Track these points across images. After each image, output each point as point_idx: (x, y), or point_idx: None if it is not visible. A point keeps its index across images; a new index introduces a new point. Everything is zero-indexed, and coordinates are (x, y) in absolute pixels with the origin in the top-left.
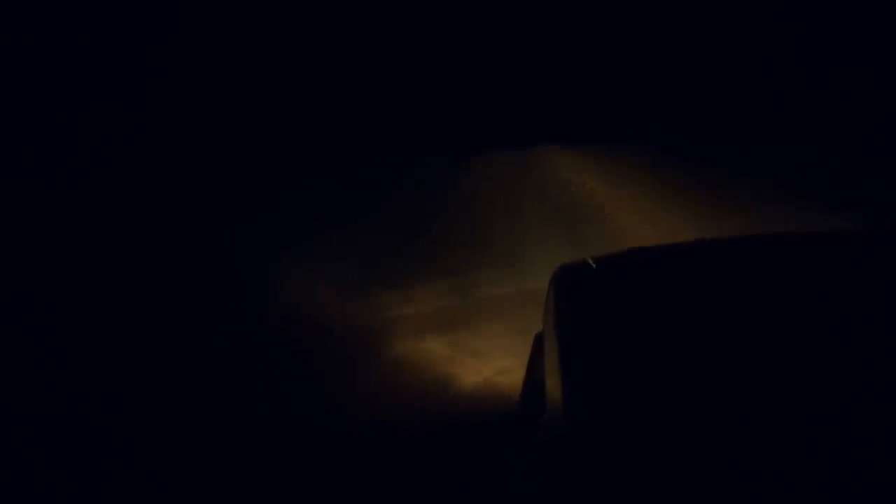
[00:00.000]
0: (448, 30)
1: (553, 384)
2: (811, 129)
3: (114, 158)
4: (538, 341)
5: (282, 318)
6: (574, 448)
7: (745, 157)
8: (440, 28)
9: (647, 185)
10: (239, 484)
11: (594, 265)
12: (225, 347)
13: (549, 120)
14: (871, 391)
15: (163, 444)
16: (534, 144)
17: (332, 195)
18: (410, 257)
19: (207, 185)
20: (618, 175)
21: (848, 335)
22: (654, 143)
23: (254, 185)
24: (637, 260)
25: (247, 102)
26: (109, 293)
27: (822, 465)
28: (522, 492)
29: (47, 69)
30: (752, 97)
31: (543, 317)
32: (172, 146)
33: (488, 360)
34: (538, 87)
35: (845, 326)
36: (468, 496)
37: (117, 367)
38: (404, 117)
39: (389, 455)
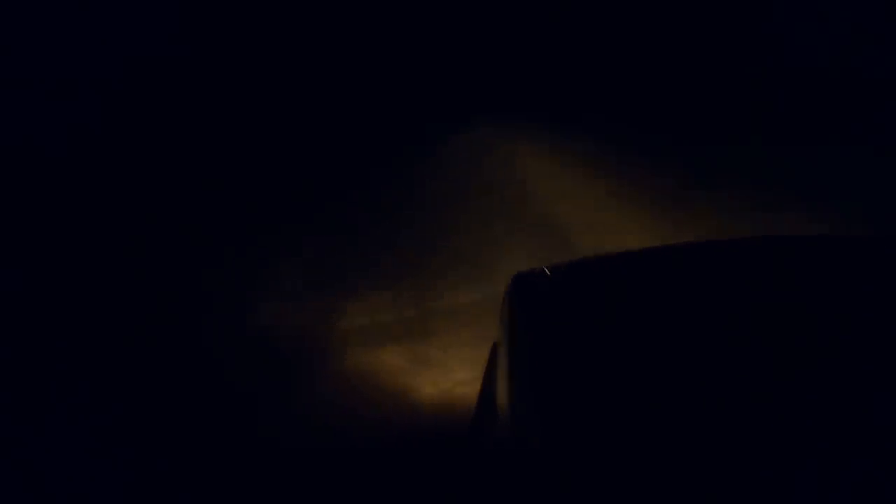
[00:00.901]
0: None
1: (502, 395)
2: (792, 127)
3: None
4: (494, 352)
5: (226, 330)
6: (520, 459)
7: (723, 157)
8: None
9: (610, 184)
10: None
11: (549, 273)
12: (171, 358)
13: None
14: (836, 408)
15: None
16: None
17: (277, 199)
18: (363, 263)
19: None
20: (580, 174)
21: (807, 345)
22: (617, 139)
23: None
24: (594, 268)
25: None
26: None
27: (773, 474)
28: None
29: None
30: (731, 94)
31: (499, 325)
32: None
33: (446, 371)
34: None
35: (807, 335)
36: None
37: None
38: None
39: (342, 469)
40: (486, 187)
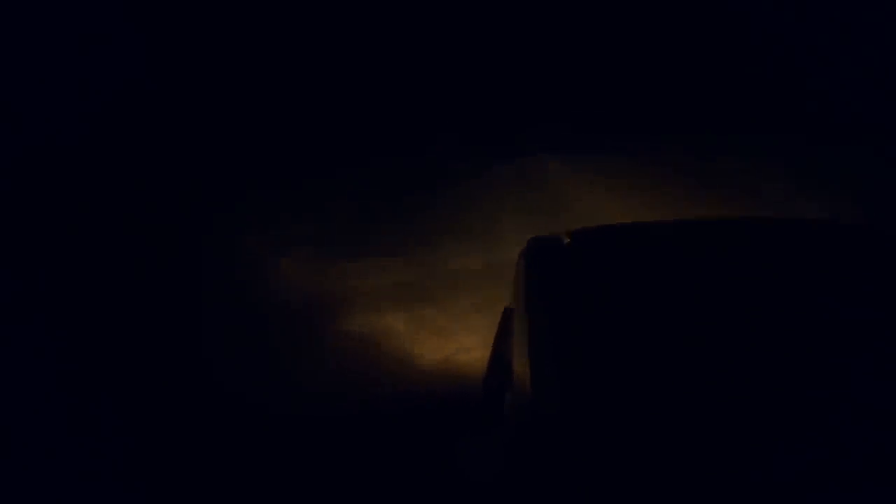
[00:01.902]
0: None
1: (521, 363)
2: (792, 117)
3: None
4: (505, 317)
5: (237, 289)
6: (541, 429)
7: (725, 147)
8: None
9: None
10: (191, 460)
11: (568, 239)
12: (182, 320)
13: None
14: (843, 381)
15: (115, 417)
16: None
17: (293, 165)
18: (370, 227)
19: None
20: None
21: (823, 322)
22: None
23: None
24: (612, 236)
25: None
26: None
27: (790, 448)
28: (484, 475)
29: None
30: (728, 87)
31: (513, 292)
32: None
33: (450, 337)
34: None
35: (823, 313)
36: (426, 478)
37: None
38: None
39: (347, 434)
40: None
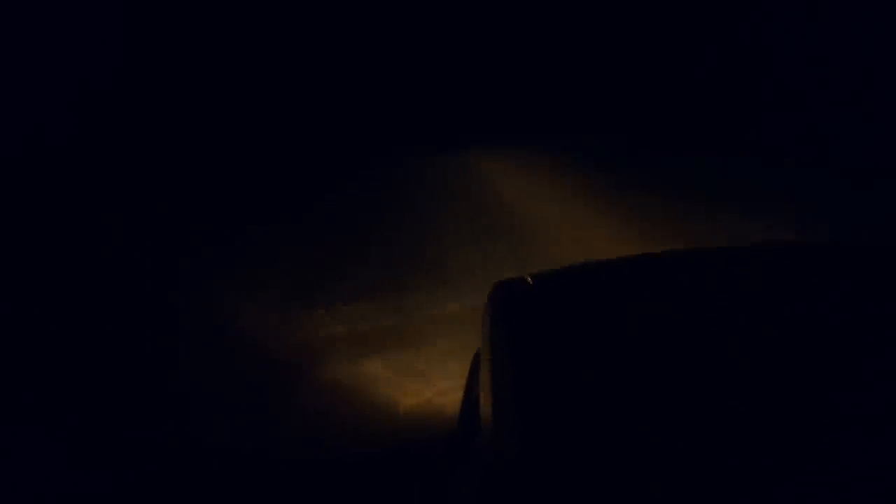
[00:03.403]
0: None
1: (486, 405)
2: (762, 138)
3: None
4: (476, 360)
5: (210, 338)
6: (501, 467)
7: (695, 168)
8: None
9: (586, 196)
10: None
11: (531, 281)
12: (155, 369)
13: (478, 122)
14: (821, 424)
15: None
16: (465, 148)
17: (260, 211)
18: (344, 274)
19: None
20: (555, 186)
21: (793, 356)
22: (594, 152)
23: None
24: (576, 276)
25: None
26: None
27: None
28: None
29: None
30: (702, 106)
31: (481, 334)
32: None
33: (429, 381)
34: (469, 88)
35: (793, 346)
36: None
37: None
38: (324, 121)
39: (326, 479)
40: (466, 199)
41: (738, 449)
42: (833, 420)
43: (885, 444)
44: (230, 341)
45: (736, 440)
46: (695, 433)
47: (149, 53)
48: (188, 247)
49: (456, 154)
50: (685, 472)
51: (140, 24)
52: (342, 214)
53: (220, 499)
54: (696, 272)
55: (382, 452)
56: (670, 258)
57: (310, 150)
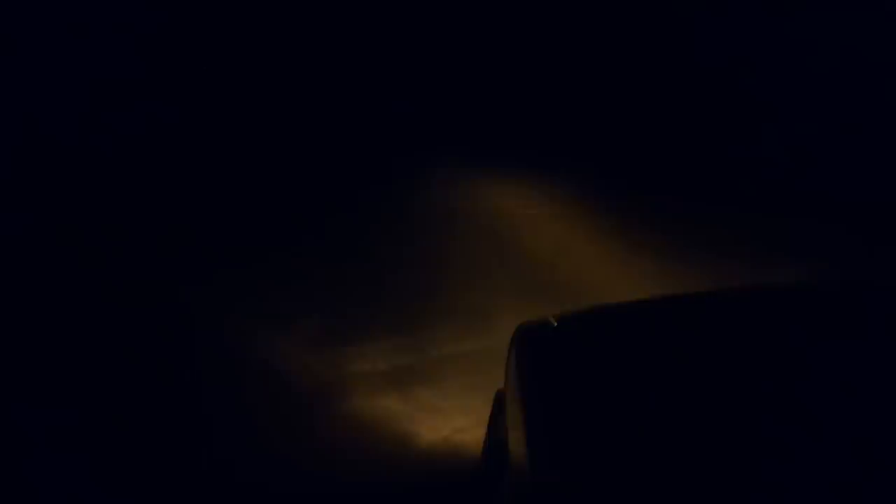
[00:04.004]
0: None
1: (517, 442)
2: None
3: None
4: (498, 400)
5: (238, 372)
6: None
7: (710, 212)
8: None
9: (602, 233)
10: None
11: (555, 323)
12: (185, 399)
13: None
14: (845, 457)
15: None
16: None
17: (285, 251)
18: (364, 312)
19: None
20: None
21: (822, 395)
22: (606, 187)
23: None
24: (599, 317)
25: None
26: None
27: None
28: None
29: None
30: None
31: (505, 376)
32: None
33: (447, 418)
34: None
35: (821, 385)
36: None
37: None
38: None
39: None
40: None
41: (765, 490)
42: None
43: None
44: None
45: (764, 481)
46: (723, 471)
47: (154, 61)
48: (199, 272)
49: (465, 178)
50: None
51: (148, 30)
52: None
53: None
54: (721, 313)
55: (399, 487)
56: (694, 300)
57: (318, 164)
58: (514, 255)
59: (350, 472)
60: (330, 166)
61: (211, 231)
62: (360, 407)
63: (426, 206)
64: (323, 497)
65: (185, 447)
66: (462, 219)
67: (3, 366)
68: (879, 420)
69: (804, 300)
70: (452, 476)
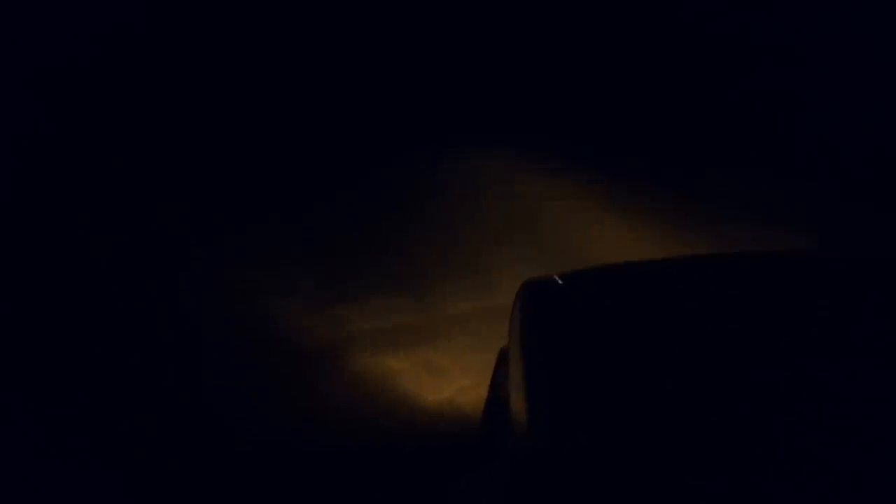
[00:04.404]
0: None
1: (517, 399)
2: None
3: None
4: (502, 357)
5: (239, 329)
6: (536, 462)
7: (702, 178)
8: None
9: (601, 201)
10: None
11: (561, 281)
12: (189, 359)
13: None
14: (844, 429)
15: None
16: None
17: (287, 206)
18: (367, 270)
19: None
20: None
21: (823, 360)
22: (601, 160)
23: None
24: (605, 276)
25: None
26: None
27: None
28: None
29: None
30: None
31: (509, 332)
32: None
33: (450, 377)
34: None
35: (821, 351)
36: None
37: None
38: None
39: (348, 470)
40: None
41: (767, 454)
42: (857, 434)
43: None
44: (262, 332)
45: (767, 445)
46: (726, 433)
47: (150, 49)
48: (213, 238)
49: (477, 150)
50: (715, 474)
51: (141, 19)
52: (362, 211)
53: (240, 487)
54: (726, 275)
55: (404, 444)
56: (699, 261)
57: (328, 144)
58: (519, 224)
59: (352, 431)
60: (346, 148)
61: (226, 201)
62: (363, 366)
63: (434, 183)
64: (324, 455)
65: (185, 411)
66: (470, 196)
67: None
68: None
69: (811, 266)
70: (455, 437)
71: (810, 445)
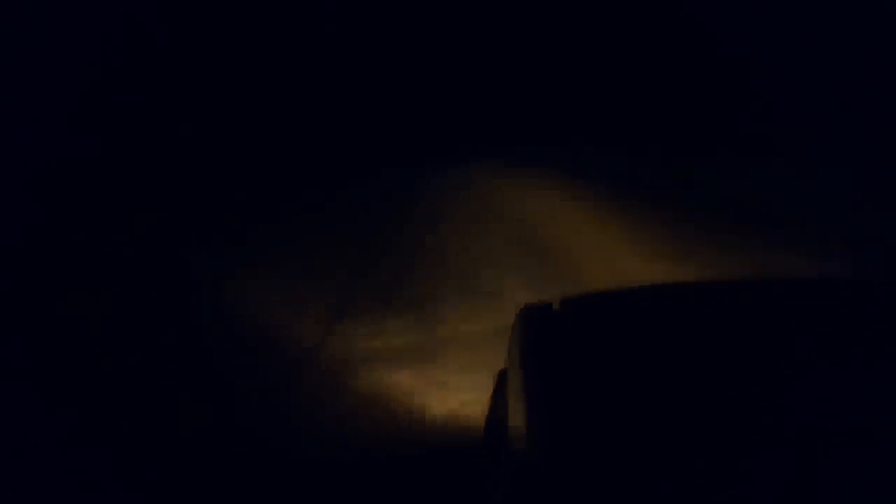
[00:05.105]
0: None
1: (516, 420)
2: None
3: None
4: (501, 379)
5: (256, 348)
6: (534, 481)
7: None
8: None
9: (602, 217)
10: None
11: (559, 306)
12: (205, 375)
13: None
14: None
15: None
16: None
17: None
18: (374, 290)
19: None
20: (572, 206)
21: (816, 385)
22: (602, 171)
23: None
24: (602, 302)
25: None
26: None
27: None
28: None
29: None
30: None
31: (508, 355)
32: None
33: (454, 392)
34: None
35: (815, 376)
36: None
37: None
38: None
39: (354, 480)
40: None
41: (764, 472)
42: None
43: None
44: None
45: (766, 473)
46: (720, 456)
47: (148, 51)
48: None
49: (475, 165)
50: (708, 494)
51: (140, 22)
52: (362, 223)
53: (249, 495)
54: (724, 302)
55: (410, 455)
56: (696, 287)
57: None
58: (523, 239)
59: (359, 442)
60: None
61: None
62: (372, 381)
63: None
64: (333, 464)
65: (200, 423)
66: (473, 210)
67: None
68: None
69: (809, 292)
70: (458, 445)
71: (803, 470)
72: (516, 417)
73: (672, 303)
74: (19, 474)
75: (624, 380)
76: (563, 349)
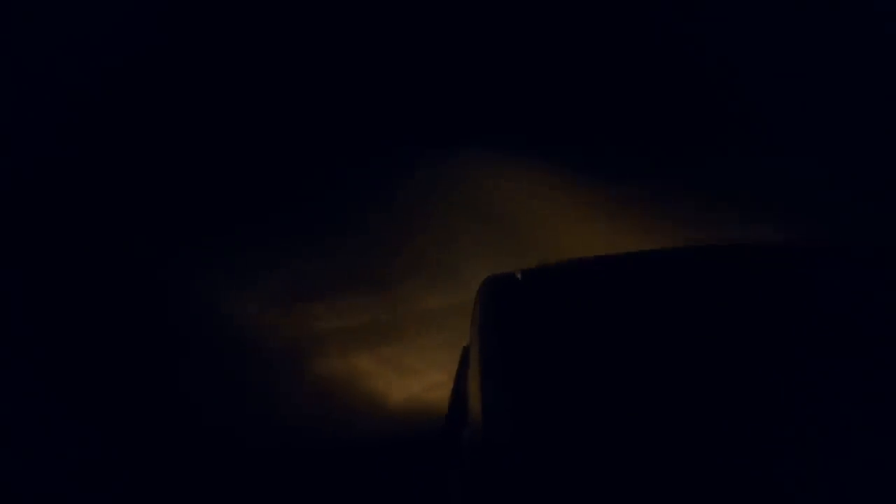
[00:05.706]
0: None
1: (476, 394)
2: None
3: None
4: (465, 354)
5: (204, 329)
6: (494, 456)
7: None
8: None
9: (574, 196)
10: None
11: (520, 277)
12: (150, 360)
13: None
14: (793, 419)
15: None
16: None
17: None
18: (335, 268)
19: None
20: (544, 184)
21: (772, 352)
22: (575, 151)
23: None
24: (565, 272)
25: None
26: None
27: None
28: None
29: None
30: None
31: (470, 328)
32: None
33: (417, 375)
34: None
35: (774, 342)
36: None
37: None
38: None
39: (315, 468)
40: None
41: (726, 446)
42: (825, 420)
43: (885, 445)
44: (228, 332)
45: (725, 438)
46: (683, 429)
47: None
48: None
49: (451, 150)
50: (674, 468)
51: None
52: (339, 210)
53: (210, 486)
54: (688, 269)
55: (371, 443)
56: (661, 255)
57: (305, 144)
58: (488, 220)
59: (319, 428)
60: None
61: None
62: (330, 365)
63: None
64: (294, 452)
65: (154, 407)
66: (438, 192)
67: None
68: (862, 375)
69: (773, 258)
70: (422, 433)
71: (772, 440)
72: (476, 394)
73: (637, 272)
74: None
75: (586, 353)
76: (525, 319)
